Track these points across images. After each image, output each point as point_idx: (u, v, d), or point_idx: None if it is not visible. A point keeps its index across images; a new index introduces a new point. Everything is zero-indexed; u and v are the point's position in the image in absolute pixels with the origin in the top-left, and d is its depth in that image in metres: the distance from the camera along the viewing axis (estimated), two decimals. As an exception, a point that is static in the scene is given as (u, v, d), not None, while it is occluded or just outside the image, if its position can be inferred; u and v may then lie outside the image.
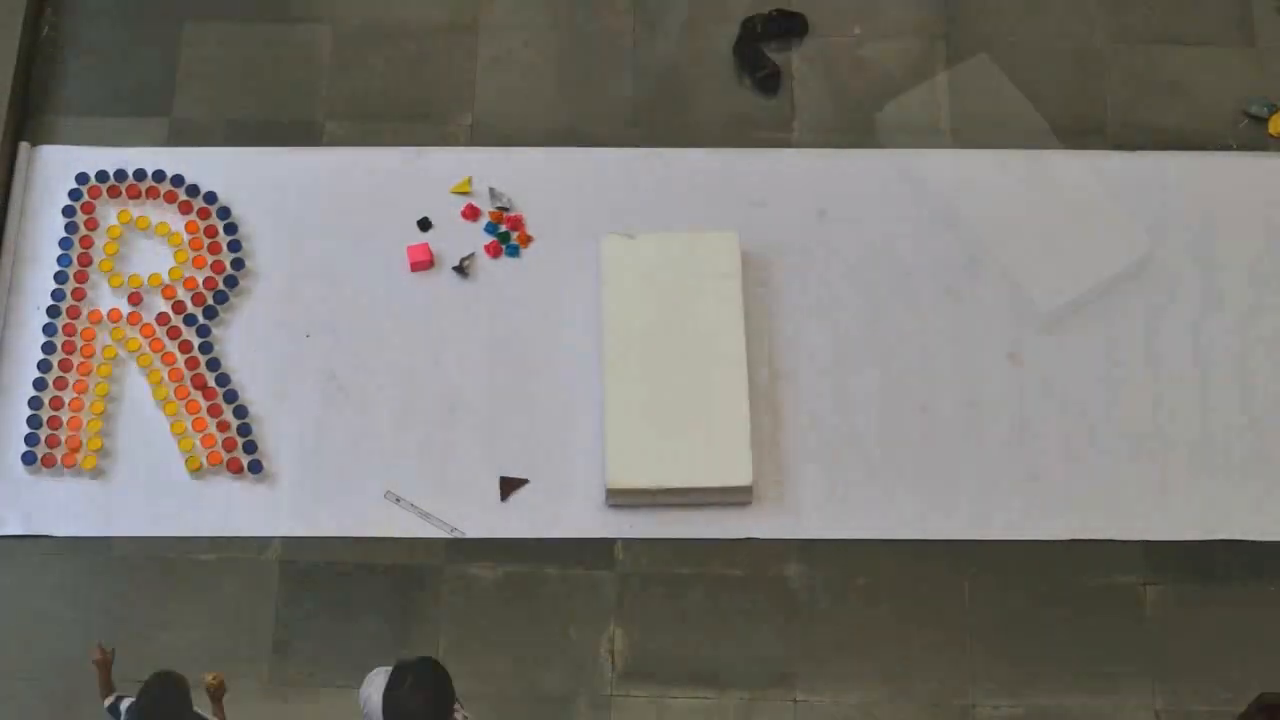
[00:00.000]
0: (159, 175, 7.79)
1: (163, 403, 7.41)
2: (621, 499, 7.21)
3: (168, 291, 7.60)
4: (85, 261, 7.65)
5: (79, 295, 7.58)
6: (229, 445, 7.32)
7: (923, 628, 7.04)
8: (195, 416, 7.37)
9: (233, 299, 7.60)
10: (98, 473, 7.30)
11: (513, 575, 7.15)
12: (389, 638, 7.03)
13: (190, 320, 7.54)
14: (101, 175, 7.78)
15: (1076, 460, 7.28)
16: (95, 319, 7.55)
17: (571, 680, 6.98)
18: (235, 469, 7.28)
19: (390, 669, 5.80)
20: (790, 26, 8.07)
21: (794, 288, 7.61)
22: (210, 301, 7.57)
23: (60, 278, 7.61)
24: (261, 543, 7.21)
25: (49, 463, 7.30)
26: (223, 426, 7.34)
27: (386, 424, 7.38)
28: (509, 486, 7.28)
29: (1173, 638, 7.02)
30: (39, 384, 7.41)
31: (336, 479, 7.29)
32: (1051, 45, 8.15)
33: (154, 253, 7.70)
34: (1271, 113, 7.92)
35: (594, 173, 7.81)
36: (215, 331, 7.54)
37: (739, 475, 7.17)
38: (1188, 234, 7.71)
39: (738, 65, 8.05)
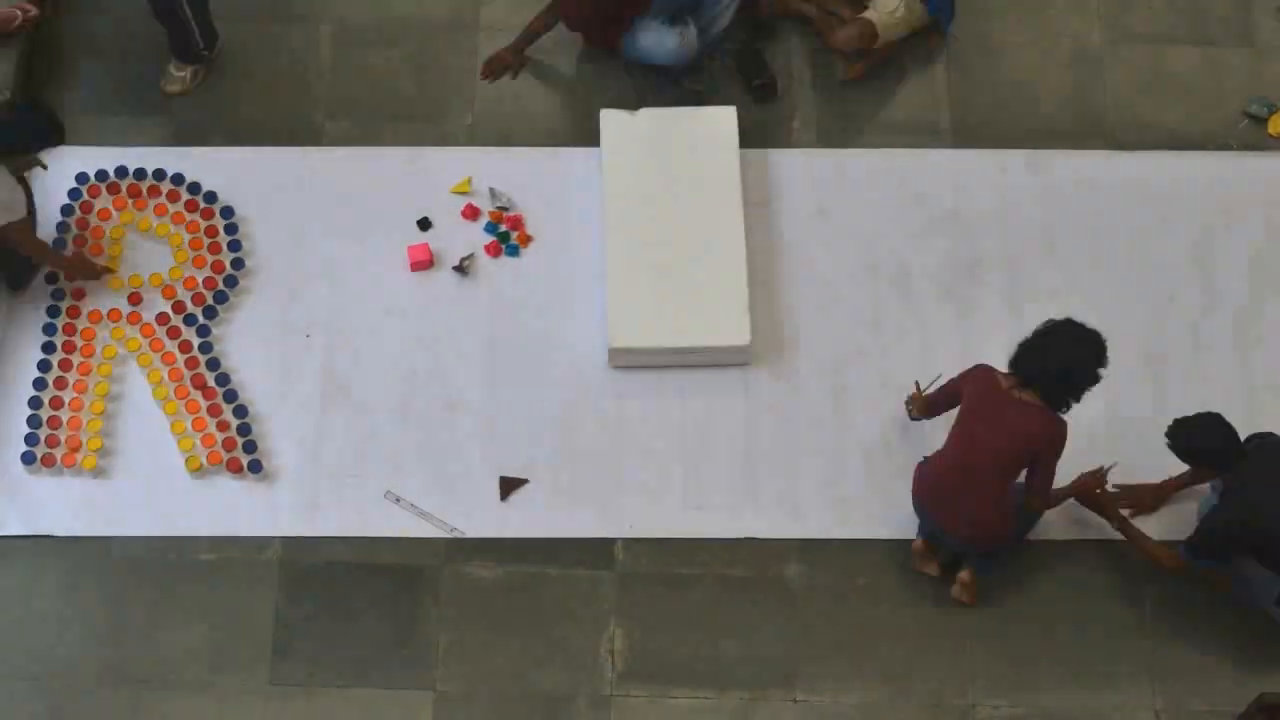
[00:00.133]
0: (159, 175, 7.80)
1: (163, 402, 7.41)
2: (623, 359, 7.35)
3: (168, 291, 7.60)
4: (85, 261, 7.66)
5: (79, 295, 7.58)
6: (229, 445, 7.32)
7: (923, 628, 7.04)
8: (195, 416, 7.37)
9: (233, 299, 7.60)
10: (98, 473, 7.30)
11: (513, 575, 7.15)
12: (389, 638, 7.04)
13: (190, 320, 7.54)
14: (101, 175, 7.78)
15: (1077, 460, 7.26)
16: (95, 319, 7.55)
17: (571, 680, 6.98)
18: (235, 469, 7.28)
19: None
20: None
21: (794, 288, 7.62)
22: (210, 301, 7.57)
23: (60, 277, 7.60)
24: (261, 543, 7.21)
25: (49, 463, 7.30)
26: (223, 426, 7.35)
27: (386, 424, 7.38)
28: (509, 486, 7.28)
29: (1173, 638, 7.02)
30: (39, 384, 7.41)
31: (336, 479, 7.29)
32: (1051, 45, 8.15)
33: (154, 252, 7.70)
34: (1271, 113, 7.92)
35: (593, 173, 7.81)
36: (215, 331, 7.54)
37: (738, 335, 7.32)
38: (1188, 234, 7.71)
39: (737, 69, 8.06)
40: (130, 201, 7.76)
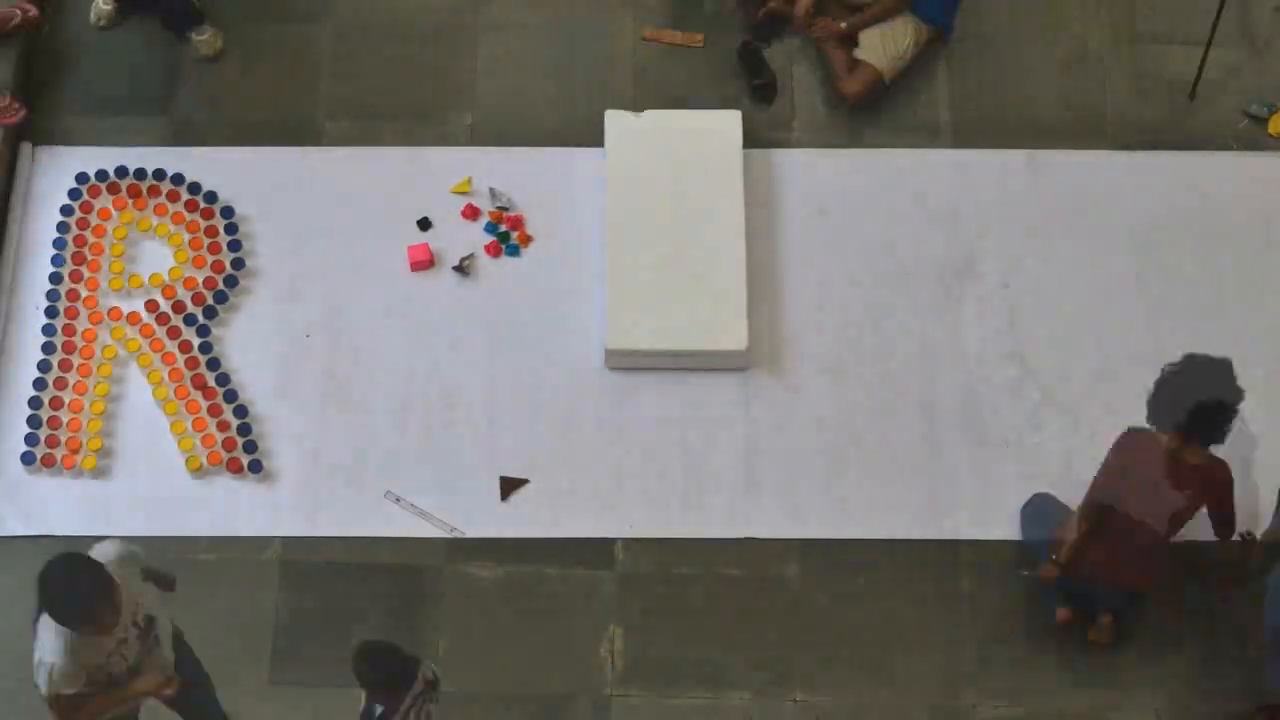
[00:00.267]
0: (159, 175, 7.79)
1: (163, 402, 7.41)
2: (620, 361, 7.35)
3: (168, 291, 7.60)
4: (85, 261, 7.64)
5: (78, 295, 7.58)
6: (229, 445, 7.32)
7: (923, 628, 7.04)
8: (195, 416, 7.37)
9: (233, 299, 7.60)
10: (98, 473, 7.30)
11: (513, 575, 7.15)
12: (389, 638, 7.02)
13: (190, 320, 7.54)
14: (101, 175, 7.78)
15: (1077, 460, 7.27)
16: (95, 319, 7.55)
17: (571, 680, 6.98)
18: (235, 469, 7.28)
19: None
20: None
21: (794, 288, 7.61)
22: (210, 301, 7.57)
23: (60, 278, 7.61)
24: (261, 543, 7.21)
25: (49, 463, 7.30)
26: (223, 426, 7.35)
27: (386, 424, 7.38)
28: (509, 486, 7.28)
29: (1173, 638, 7.01)
30: (39, 384, 7.41)
31: (336, 479, 7.29)
32: (1051, 45, 8.15)
33: (154, 252, 7.70)
34: (1271, 113, 7.92)
35: (593, 173, 7.81)
36: (215, 331, 7.54)
37: (735, 340, 7.32)
38: (1188, 234, 7.71)
39: (738, 68, 8.05)
40: (130, 201, 7.76)
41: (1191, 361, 6.55)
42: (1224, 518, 6.70)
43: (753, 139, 7.88)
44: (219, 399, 7.40)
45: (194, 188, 7.78)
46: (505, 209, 7.75)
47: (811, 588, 7.11)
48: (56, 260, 7.64)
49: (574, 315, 7.56)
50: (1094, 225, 7.72)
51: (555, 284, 7.63)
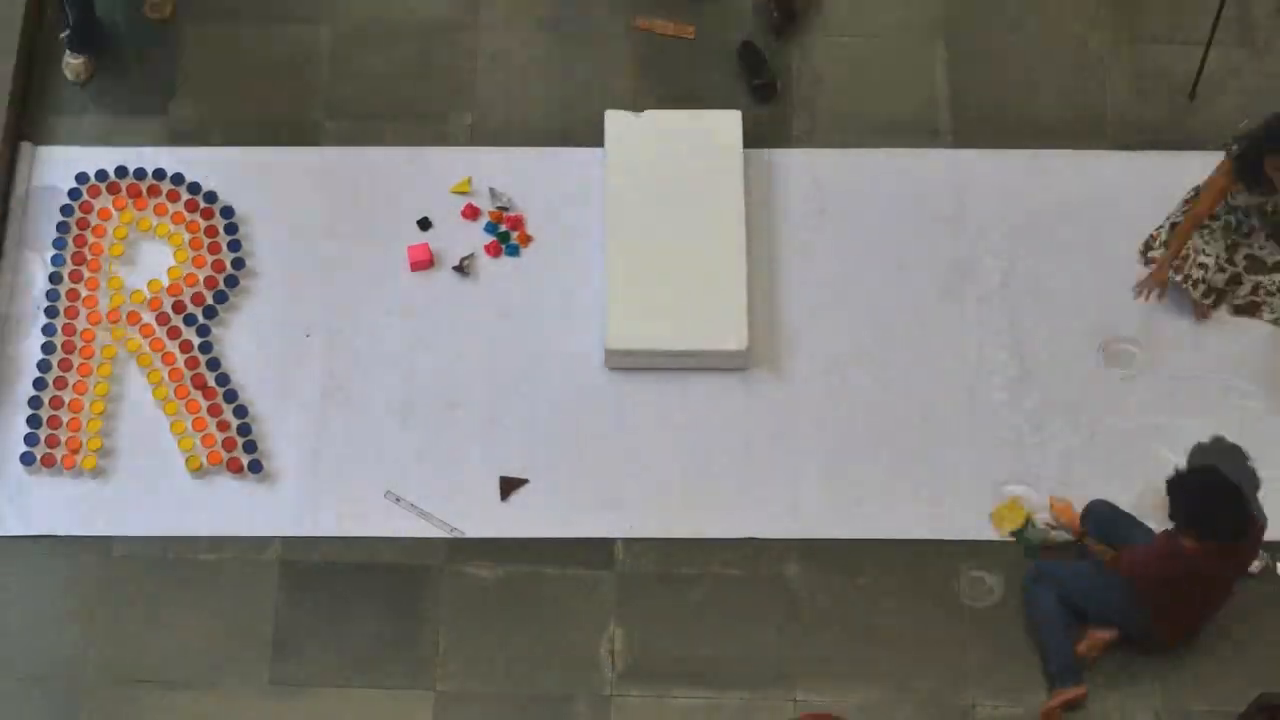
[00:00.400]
0: (159, 175, 7.79)
1: (163, 402, 7.41)
2: (620, 361, 7.36)
3: (169, 290, 7.60)
4: (85, 261, 7.64)
5: (78, 295, 7.58)
6: (229, 445, 7.32)
7: (923, 628, 7.04)
8: (195, 416, 7.37)
9: (233, 299, 7.60)
10: (98, 473, 7.30)
11: (513, 575, 7.15)
12: (389, 638, 7.04)
13: (190, 320, 7.54)
14: (101, 175, 7.78)
15: (1076, 460, 7.28)
16: (95, 319, 7.55)
17: (571, 680, 6.97)
18: (235, 469, 7.28)
19: None
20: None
21: (794, 288, 7.61)
22: (210, 301, 7.57)
23: (60, 278, 7.61)
24: (261, 543, 7.21)
25: (49, 463, 7.30)
26: (223, 426, 7.34)
27: (386, 424, 7.38)
28: (509, 486, 7.28)
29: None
30: (39, 384, 7.41)
31: (336, 479, 7.29)
32: (1051, 45, 8.14)
33: (154, 252, 7.70)
34: None
35: (594, 173, 7.81)
36: (215, 331, 7.54)
37: (734, 341, 7.31)
38: (1188, 234, 7.71)
39: (738, 68, 8.05)
40: (130, 201, 7.76)
41: (1209, 479, 6.52)
42: None
43: (753, 139, 7.88)
44: (219, 399, 7.40)
45: (194, 188, 7.78)
46: (505, 209, 7.75)
47: (811, 588, 7.11)
48: (56, 260, 7.64)
49: (574, 315, 7.56)
50: (1094, 225, 7.72)
51: (555, 284, 7.62)
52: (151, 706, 6.92)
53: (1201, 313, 7.45)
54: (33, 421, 7.35)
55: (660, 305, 7.39)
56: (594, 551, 7.18)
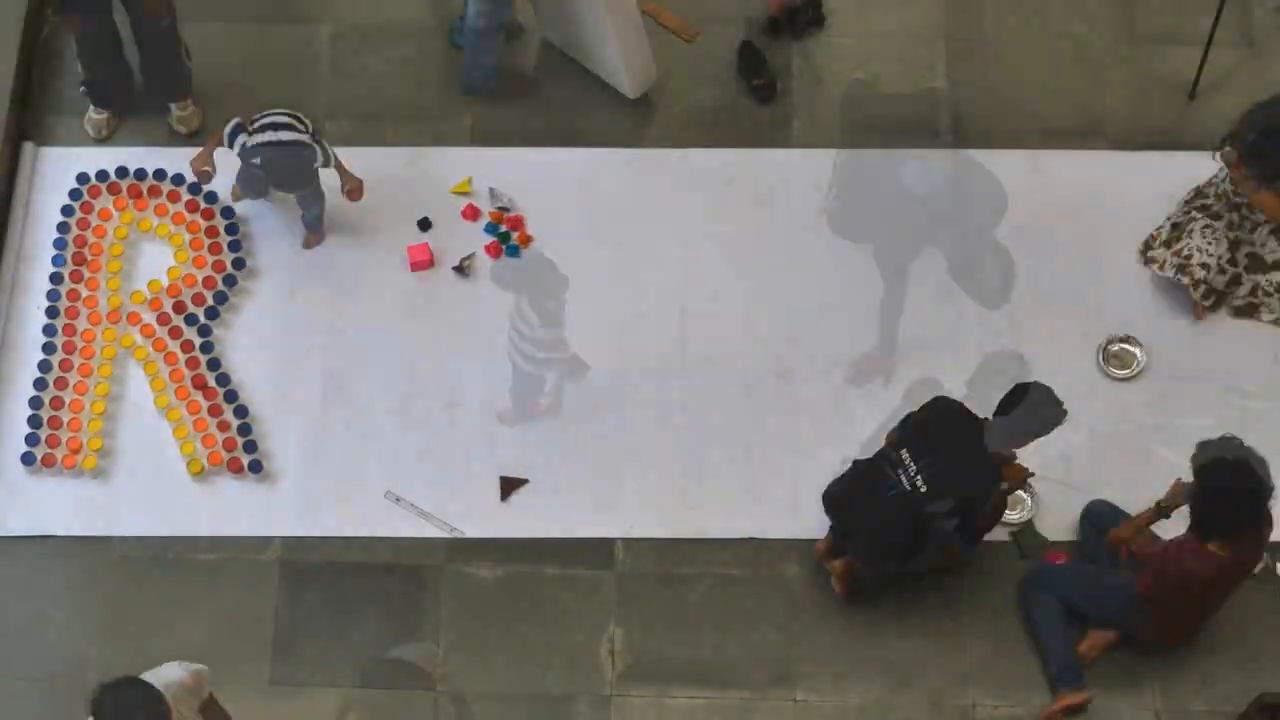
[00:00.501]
0: (159, 175, 7.80)
1: (164, 403, 7.40)
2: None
3: (169, 290, 7.60)
4: (85, 261, 7.65)
5: (78, 295, 7.58)
6: (229, 445, 7.32)
7: (923, 628, 7.04)
8: (196, 416, 7.38)
9: (233, 299, 7.60)
10: (98, 473, 7.30)
11: (513, 575, 7.15)
12: (389, 638, 7.04)
13: (191, 320, 7.54)
14: (102, 175, 7.78)
15: (1076, 461, 7.28)
16: (95, 319, 7.55)
17: (571, 680, 6.98)
18: (235, 469, 7.28)
19: None
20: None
21: (794, 287, 7.61)
22: (211, 301, 7.58)
23: (60, 278, 7.61)
24: (261, 543, 7.21)
25: (49, 463, 7.30)
26: (223, 426, 7.35)
27: (386, 424, 7.38)
28: (509, 486, 7.28)
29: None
30: (39, 384, 7.41)
31: (336, 479, 7.29)
32: (1051, 45, 8.15)
33: (154, 252, 7.71)
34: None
35: (594, 173, 7.81)
36: (216, 331, 7.54)
37: None
38: (1188, 234, 7.72)
39: (738, 68, 8.05)
40: (130, 201, 7.76)
41: (1229, 473, 6.40)
42: None
43: (753, 139, 7.88)
44: (219, 399, 7.40)
45: (194, 188, 7.78)
46: (505, 209, 7.75)
47: (811, 588, 7.11)
48: (57, 260, 7.64)
49: (574, 315, 7.56)
50: (1094, 225, 7.72)
51: (555, 284, 7.62)
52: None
53: (1200, 313, 7.45)
54: (33, 421, 7.36)
55: None
56: (594, 551, 7.18)
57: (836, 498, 6.81)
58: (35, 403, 7.39)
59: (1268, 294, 7.42)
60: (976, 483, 6.60)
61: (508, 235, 7.71)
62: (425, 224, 7.74)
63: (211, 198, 7.76)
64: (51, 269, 7.63)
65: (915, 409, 6.78)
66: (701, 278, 7.63)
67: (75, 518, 7.23)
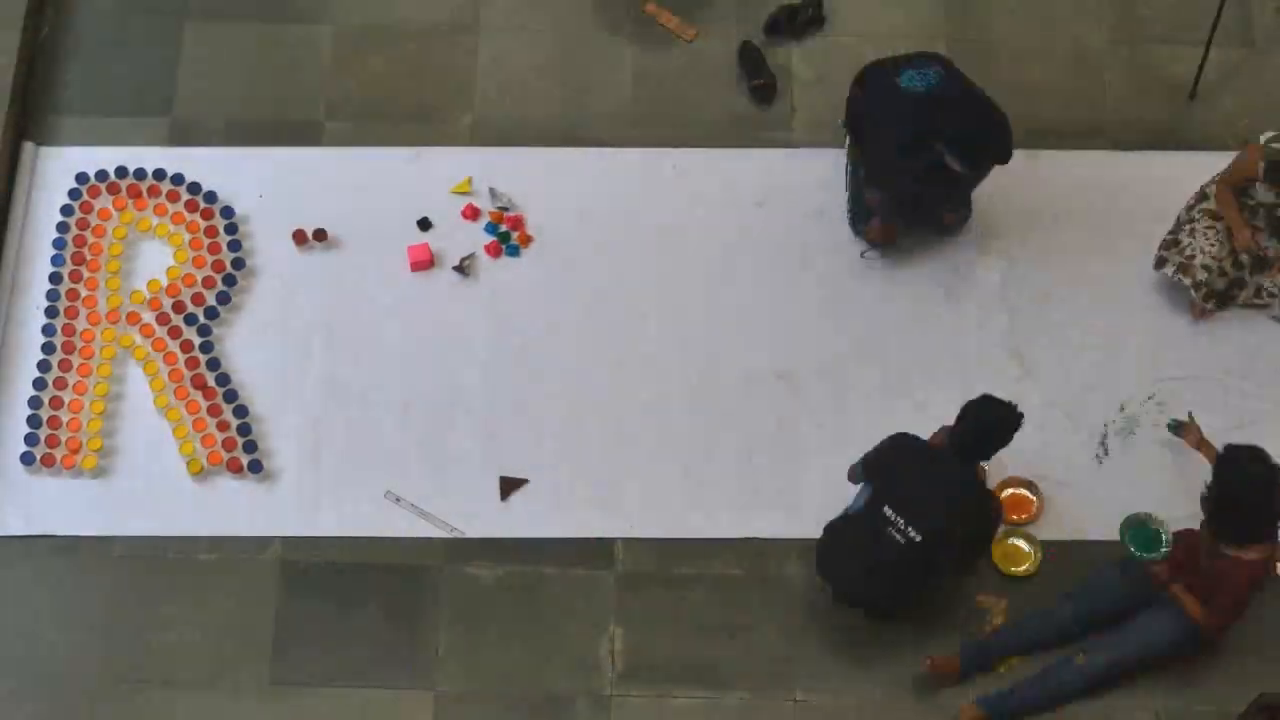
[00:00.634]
0: (159, 175, 7.80)
1: (163, 403, 7.40)
2: None
3: (169, 290, 7.60)
4: (85, 261, 7.64)
5: (78, 295, 7.58)
6: (229, 445, 7.32)
7: (922, 628, 7.03)
8: (195, 416, 7.37)
9: (233, 299, 7.60)
10: (98, 473, 7.30)
11: (513, 575, 7.15)
12: (389, 638, 7.03)
13: (191, 320, 7.54)
14: (101, 175, 7.78)
15: (1076, 461, 7.28)
16: (95, 319, 7.55)
17: (571, 680, 6.97)
18: (235, 469, 7.28)
19: None
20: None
21: (793, 287, 7.61)
22: (211, 301, 7.57)
23: (60, 277, 7.61)
24: (261, 543, 7.20)
25: (49, 463, 7.30)
26: (223, 426, 7.34)
27: (386, 424, 7.38)
28: (509, 486, 7.28)
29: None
30: (39, 384, 7.41)
31: (336, 479, 7.29)
32: (1051, 45, 8.14)
33: (154, 252, 7.71)
34: None
35: (594, 173, 7.81)
36: (216, 331, 7.54)
37: None
38: (1188, 234, 7.72)
39: (738, 67, 8.06)
40: (130, 201, 7.76)
41: (1243, 462, 6.47)
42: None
43: (753, 139, 7.89)
44: (219, 399, 7.40)
45: (194, 188, 7.78)
46: (505, 209, 7.75)
47: (811, 588, 7.11)
48: (56, 260, 7.64)
49: (574, 315, 7.56)
50: (1094, 225, 7.72)
51: (555, 284, 7.62)
52: (151, 706, 6.92)
53: (1198, 314, 7.45)
54: (33, 421, 7.35)
55: None
56: (594, 551, 7.18)
57: (832, 566, 6.84)
58: (35, 403, 7.39)
59: (1271, 295, 7.42)
60: (968, 509, 6.66)
61: (508, 235, 7.71)
62: (425, 224, 7.74)
63: (211, 198, 7.76)
64: (51, 269, 7.63)
65: (871, 451, 6.80)
66: (701, 278, 7.63)
67: (75, 518, 7.23)
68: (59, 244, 7.67)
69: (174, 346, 7.49)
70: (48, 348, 7.49)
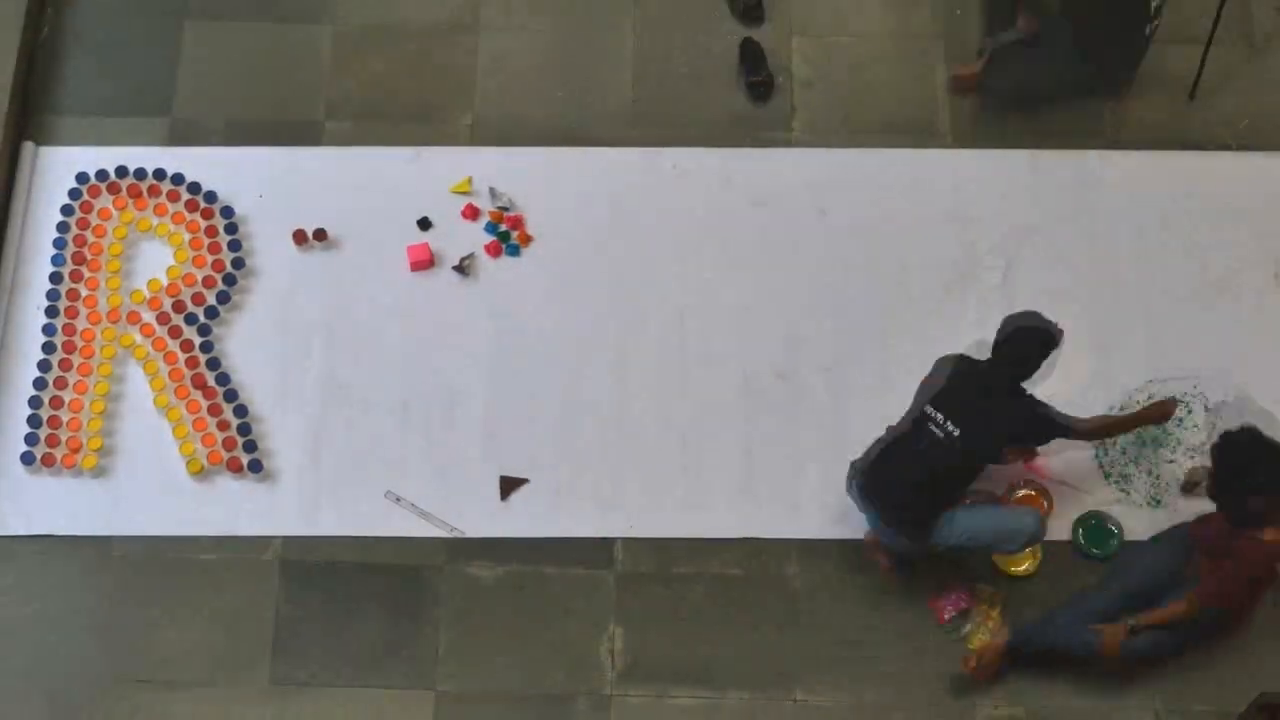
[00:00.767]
0: (159, 174, 7.80)
1: (163, 403, 7.40)
2: None
3: (169, 290, 7.60)
4: (85, 261, 7.65)
5: (78, 295, 7.58)
6: (229, 445, 7.32)
7: (922, 628, 7.03)
8: (195, 416, 7.37)
9: (233, 299, 7.60)
10: (98, 472, 7.30)
11: (513, 575, 7.15)
12: (389, 638, 7.04)
13: (191, 319, 7.54)
14: (102, 175, 7.78)
15: (1077, 461, 7.28)
16: (95, 319, 7.55)
17: (571, 680, 6.98)
18: (235, 469, 7.28)
19: None
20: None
21: (794, 288, 7.61)
22: (211, 301, 7.57)
23: (60, 277, 7.61)
24: (262, 543, 7.21)
25: (49, 462, 7.30)
26: (223, 426, 7.34)
27: (386, 424, 7.38)
28: (509, 486, 7.28)
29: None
30: (39, 384, 7.41)
31: (336, 479, 7.29)
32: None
33: (154, 252, 7.71)
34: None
35: (594, 173, 7.81)
36: (216, 331, 7.54)
37: None
38: (1188, 234, 7.71)
39: (739, 63, 8.05)
40: (130, 201, 7.76)
41: (1246, 443, 6.58)
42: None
43: (753, 138, 7.89)
44: (219, 399, 7.40)
45: (194, 188, 7.78)
46: (505, 209, 7.75)
47: (811, 588, 7.11)
48: (56, 260, 7.64)
49: (574, 315, 7.56)
50: (1094, 225, 7.72)
51: (555, 284, 7.63)
52: (151, 706, 6.92)
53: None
54: (33, 421, 7.36)
55: None
56: (594, 551, 7.18)
57: (867, 469, 6.85)
58: (35, 402, 7.39)
59: None
60: (1011, 419, 6.74)
61: (508, 235, 7.71)
62: (425, 224, 7.74)
63: (211, 198, 7.76)
64: (51, 269, 7.63)
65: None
66: (701, 278, 7.63)
67: (75, 518, 7.23)
68: (59, 244, 7.67)
69: (174, 346, 7.50)
70: (48, 347, 7.49)
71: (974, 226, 7.72)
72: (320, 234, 7.67)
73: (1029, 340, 6.77)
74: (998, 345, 6.80)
